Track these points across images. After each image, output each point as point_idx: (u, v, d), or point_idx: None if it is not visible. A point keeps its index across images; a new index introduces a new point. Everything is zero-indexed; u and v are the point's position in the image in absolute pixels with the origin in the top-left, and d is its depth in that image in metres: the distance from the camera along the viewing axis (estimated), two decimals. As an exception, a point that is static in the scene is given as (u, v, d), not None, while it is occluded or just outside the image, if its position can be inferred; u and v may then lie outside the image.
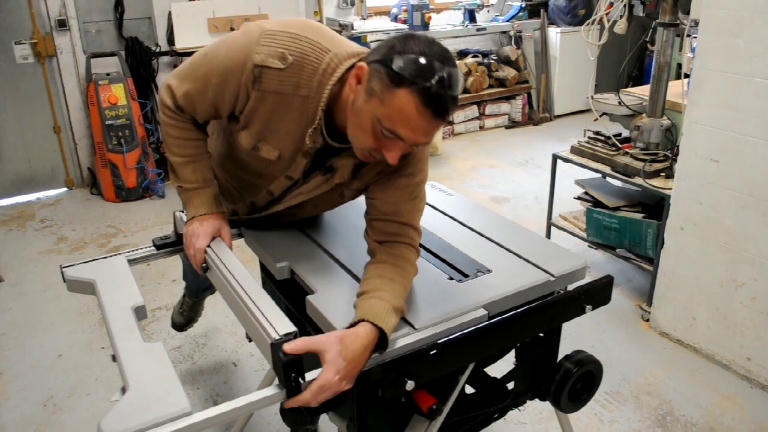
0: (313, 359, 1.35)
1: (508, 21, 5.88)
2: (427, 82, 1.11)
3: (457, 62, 5.66)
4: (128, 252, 1.58)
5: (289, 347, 1.11)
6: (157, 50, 4.60)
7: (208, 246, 1.48)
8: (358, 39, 4.94)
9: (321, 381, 1.12)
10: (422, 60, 1.13)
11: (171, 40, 4.57)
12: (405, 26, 5.29)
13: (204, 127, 1.51)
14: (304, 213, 1.62)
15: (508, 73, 5.85)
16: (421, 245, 1.56)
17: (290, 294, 1.59)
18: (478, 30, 5.70)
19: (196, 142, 1.48)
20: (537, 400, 1.56)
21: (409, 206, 1.41)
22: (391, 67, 1.13)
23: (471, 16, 5.73)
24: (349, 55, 1.30)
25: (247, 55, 1.28)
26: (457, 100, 1.18)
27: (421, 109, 1.13)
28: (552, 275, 1.42)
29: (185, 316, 2.52)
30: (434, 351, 1.19)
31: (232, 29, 4.55)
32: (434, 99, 1.13)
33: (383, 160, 1.25)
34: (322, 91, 1.29)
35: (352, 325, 1.19)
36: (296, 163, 1.42)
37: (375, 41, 5.37)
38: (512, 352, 1.57)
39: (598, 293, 1.45)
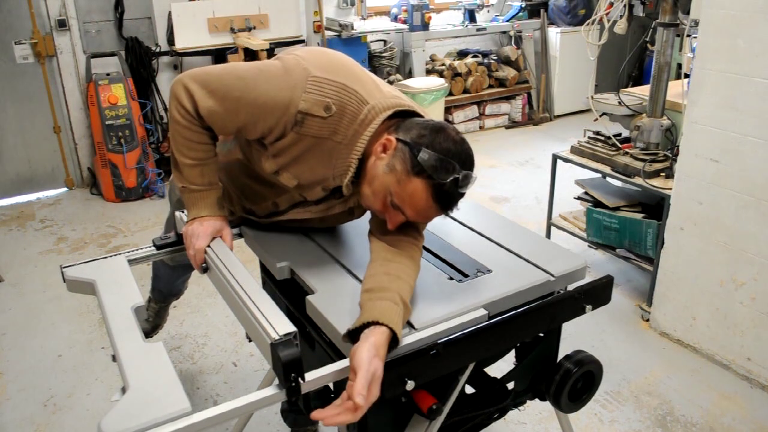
0: (312, 360, 1.35)
1: (508, 21, 5.88)
2: (443, 180, 1.22)
3: (457, 62, 5.68)
4: (128, 252, 1.58)
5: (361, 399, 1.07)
6: (157, 50, 4.60)
7: (208, 246, 1.48)
8: (358, 39, 4.95)
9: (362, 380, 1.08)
10: (447, 158, 1.22)
11: (171, 40, 4.57)
12: (405, 26, 5.29)
13: (214, 138, 1.48)
14: (307, 225, 1.61)
15: (508, 73, 5.85)
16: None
17: (290, 294, 1.59)
18: (478, 30, 5.70)
19: (207, 146, 1.46)
20: (537, 400, 1.56)
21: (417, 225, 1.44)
22: (416, 156, 1.23)
23: (471, 16, 5.73)
24: (385, 107, 1.33)
25: (292, 99, 1.29)
26: (464, 196, 1.28)
27: (431, 201, 1.25)
28: (552, 275, 1.42)
29: (151, 323, 2.48)
30: (434, 351, 1.19)
31: (232, 29, 4.55)
32: (445, 196, 1.24)
33: (390, 227, 1.33)
34: (357, 140, 1.32)
35: (364, 324, 1.15)
36: (314, 191, 1.46)
37: (375, 41, 5.39)
38: (512, 352, 1.57)
39: (598, 293, 1.45)
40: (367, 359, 1.09)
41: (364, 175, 1.33)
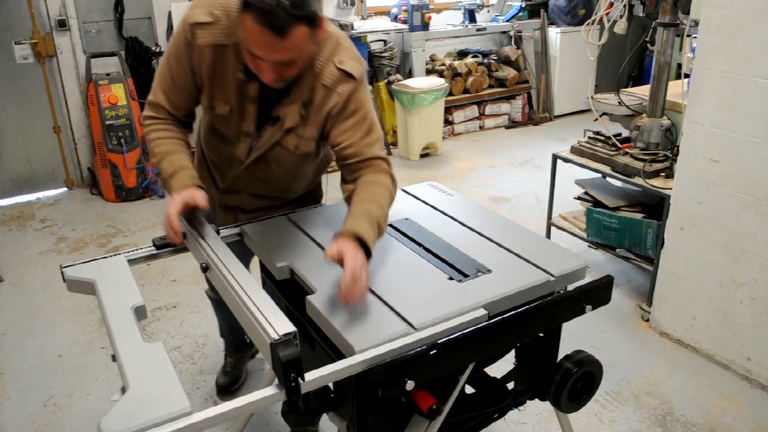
0: (312, 360, 1.35)
1: (508, 21, 5.88)
2: (264, 4, 1.27)
3: (457, 62, 5.68)
4: (128, 252, 1.58)
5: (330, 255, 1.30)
6: (157, 50, 4.60)
7: (187, 222, 1.54)
8: (358, 39, 4.94)
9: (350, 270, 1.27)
10: None
11: (171, 40, 4.57)
12: (405, 26, 5.29)
13: (185, 125, 1.68)
14: (273, 176, 1.73)
15: (508, 73, 5.85)
16: (421, 245, 1.57)
17: (290, 294, 1.59)
18: (478, 30, 5.70)
19: (173, 139, 1.61)
20: (537, 400, 1.56)
21: (366, 140, 1.56)
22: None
23: (471, 16, 5.73)
24: None
25: (184, 21, 1.51)
26: (297, 18, 1.30)
27: (259, 26, 1.29)
28: (552, 275, 1.42)
29: (229, 375, 2.45)
30: (434, 351, 1.19)
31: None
32: (267, 15, 1.28)
33: (267, 82, 1.43)
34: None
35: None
36: (247, 113, 1.58)
37: (375, 41, 5.38)
38: (512, 352, 1.57)
39: (598, 293, 1.45)
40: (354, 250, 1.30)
41: None
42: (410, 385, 1.18)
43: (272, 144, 1.63)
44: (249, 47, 1.36)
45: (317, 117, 1.57)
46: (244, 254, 1.73)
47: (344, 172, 1.60)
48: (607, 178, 3.19)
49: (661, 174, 2.83)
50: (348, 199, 1.54)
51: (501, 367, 1.61)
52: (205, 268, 1.48)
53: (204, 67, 1.53)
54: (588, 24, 3.10)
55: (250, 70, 1.48)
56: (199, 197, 1.50)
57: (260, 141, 1.63)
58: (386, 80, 5.25)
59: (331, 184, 2.23)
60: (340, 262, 1.29)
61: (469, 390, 1.57)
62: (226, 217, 1.87)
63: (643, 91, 3.15)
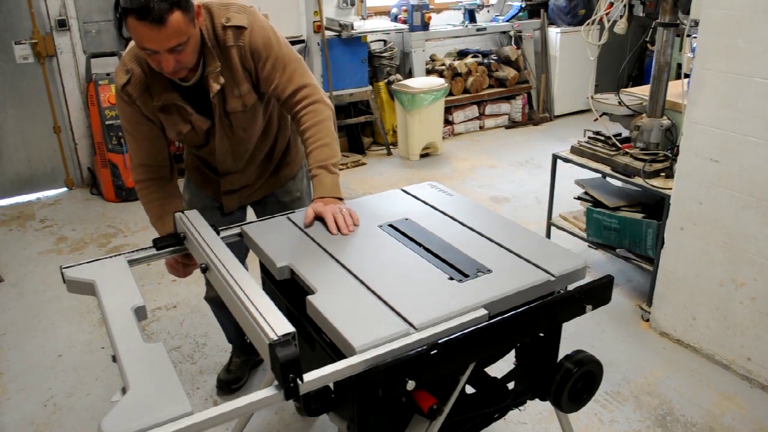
0: (312, 360, 1.35)
1: (508, 21, 5.88)
2: (137, 3, 1.42)
3: (457, 62, 5.68)
4: (128, 252, 1.58)
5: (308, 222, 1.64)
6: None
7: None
8: (358, 39, 4.95)
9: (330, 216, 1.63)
10: None
11: (171, 40, 4.57)
12: (405, 26, 5.29)
13: (171, 184, 1.88)
14: (247, 139, 1.89)
15: (508, 73, 5.85)
16: (421, 245, 1.57)
17: (290, 294, 1.59)
18: (478, 30, 5.70)
19: (156, 202, 1.83)
20: (537, 400, 1.56)
21: (286, 76, 1.74)
22: (119, 5, 1.55)
23: (471, 16, 5.73)
24: None
25: (116, 90, 1.72)
26: (171, 5, 1.45)
27: (136, 22, 1.44)
28: (552, 275, 1.42)
29: (233, 373, 2.48)
30: (434, 351, 1.19)
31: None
32: (144, 11, 1.42)
33: (169, 73, 1.57)
34: (143, 61, 1.67)
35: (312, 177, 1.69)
36: (195, 118, 1.75)
37: (375, 41, 5.38)
38: (512, 352, 1.57)
39: (598, 293, 1.45)
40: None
41: None
42: (411, 385, 1.18)
43: (225, 117, 1.78)
44: (141, 45, 1.50)
45: (239, 74, 1.72)
46: (239, 249, 1.85)
47: (286, 113, 1.88)
48: (607, 178, 3.19)
49: (661, 174, 2.83)
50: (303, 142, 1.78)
51: (501, 367, 1.61)
52: (204, 269, 1.48)
53: (149, 108, 1.71)
54: (588, 24, 3.10)
55: (169, 82, 1.68)
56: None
57: (221, 125, 1.80)
58: (386, 80, 5.25)
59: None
60: (321, 218, 1.64)
61: (470, 390, 1.57)
62: (231, 201, 2.06)
63: (643, 91, 3.15)
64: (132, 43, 1.67)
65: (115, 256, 1.54)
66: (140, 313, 1.32)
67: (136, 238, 3.79)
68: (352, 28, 4.86)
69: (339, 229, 1.60)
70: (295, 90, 1.74)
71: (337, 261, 1.49)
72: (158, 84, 1.69)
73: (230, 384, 2.45)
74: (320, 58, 4.84)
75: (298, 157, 2.15)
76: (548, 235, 3.44)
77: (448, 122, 5.68)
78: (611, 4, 3.00)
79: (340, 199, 1.69)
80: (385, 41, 5.46)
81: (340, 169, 1.92)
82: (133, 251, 1.60)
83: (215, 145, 1.85)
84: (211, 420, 1.05)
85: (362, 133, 5.36)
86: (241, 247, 1.83)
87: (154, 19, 1.44)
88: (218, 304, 2.19)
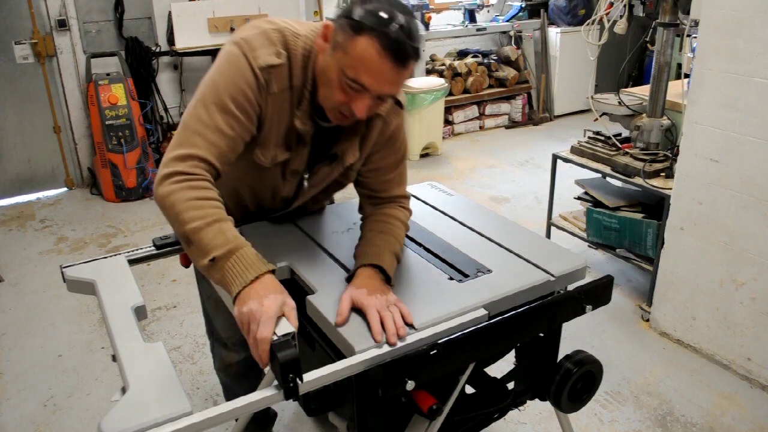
0: (312, 359, 1.35)
1: (508, 21, 5.88)
2: (387, 28, 1.16)
3: (457, 62, 5.67)
4: (128, 252, 1.58)
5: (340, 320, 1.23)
6: (157, 50, 4.60)
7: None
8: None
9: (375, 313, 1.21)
10: (382, 9, 1.18)
11: (171, 40, 4.57)
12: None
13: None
14: (309, 198, 1.61)
15: (508, 73, 5.85)
16: (421, 245, 1.57)
17: (290, 294, 1.59)
18: (478, 30, 5.70)
19: (215, 201, 1.24)
20: (537, 400, 1.56)
21: (397, 179, 1.54)
22: (352, 17, 1.19)
23: (471, 16, 5.73)
24: (315, 31, 1.35)
25: (248, 63, 1.28)
26: (419, 52, 1.21)
27: (382, 53, 1.17)
28: (552, 275, 1.42)
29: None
30: (434, 351, 1.19)
31: (232, 29, 4.55)
32: (394, 44, 1.16)
33: (353, 118, 1.29)
34: (307, 71, 1.33)
35: (352, 275, 1.33)
36: (299, 155, 1.44)
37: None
38: (512, 352, 1.57)
39: (598, 293, 1.45)
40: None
41: (318, 86, 1.32)
42: (410, 385, 1.18)
43: (329, 182, 1.53)
44: (357, 75, 1.19)
45: (367, 148, 1.47)
46: None
47: (364, 202, 1.56)
48: (607, 178, 3.19)
49: (661, 174, 2.83)
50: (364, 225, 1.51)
51: (501, 367, 1.61)
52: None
53: (268, 113, 1.34)
54: (588, 24, 3.10)
55: (313, 115, 1.36)
56: (292, 315, 1.17)
57: (314, 179, 1.51)
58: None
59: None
60: (359, 309, 1.24)
61: (470, 390, 1.57)
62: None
63: (643, 91, 3.15)
64: (290, 27, 1.34)
65: (115, 255, 1.54)
66: (140, 312, 1.32)
67: (136, 238, 3.79)
68: (352, 28, 4.85)
69: (386, 333, 1.18)
70: (394, 196, 1.54)
71: (337, 261, 1.49)
72: (292, 99, 1.35)
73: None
74: (320, 58, 4.83)
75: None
76: (548, 235, 3.44)
77: (448, 122, 5.68)
78: (611, 4, 3.00)
79: (389, 284, 1.32)
80: (385, 41, 5.45)
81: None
82: (133, 251, 1.59)
83: (280, 186, 1.52)
84: (211, 420, 1.05)
85: (362, 133, 5.35)
86: None
87: (400, 58, 1.18)
88: (234, 374, 1.95)
